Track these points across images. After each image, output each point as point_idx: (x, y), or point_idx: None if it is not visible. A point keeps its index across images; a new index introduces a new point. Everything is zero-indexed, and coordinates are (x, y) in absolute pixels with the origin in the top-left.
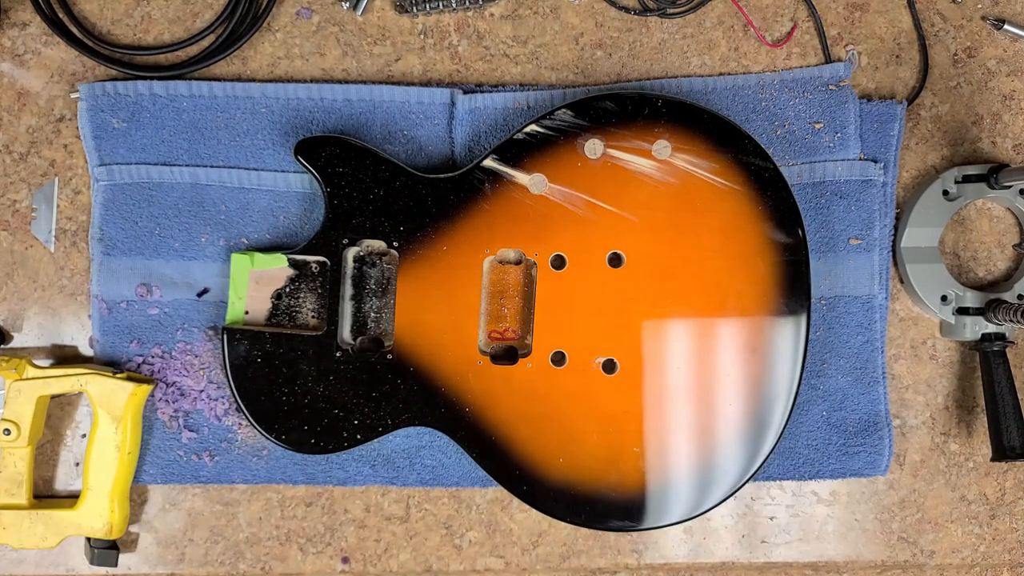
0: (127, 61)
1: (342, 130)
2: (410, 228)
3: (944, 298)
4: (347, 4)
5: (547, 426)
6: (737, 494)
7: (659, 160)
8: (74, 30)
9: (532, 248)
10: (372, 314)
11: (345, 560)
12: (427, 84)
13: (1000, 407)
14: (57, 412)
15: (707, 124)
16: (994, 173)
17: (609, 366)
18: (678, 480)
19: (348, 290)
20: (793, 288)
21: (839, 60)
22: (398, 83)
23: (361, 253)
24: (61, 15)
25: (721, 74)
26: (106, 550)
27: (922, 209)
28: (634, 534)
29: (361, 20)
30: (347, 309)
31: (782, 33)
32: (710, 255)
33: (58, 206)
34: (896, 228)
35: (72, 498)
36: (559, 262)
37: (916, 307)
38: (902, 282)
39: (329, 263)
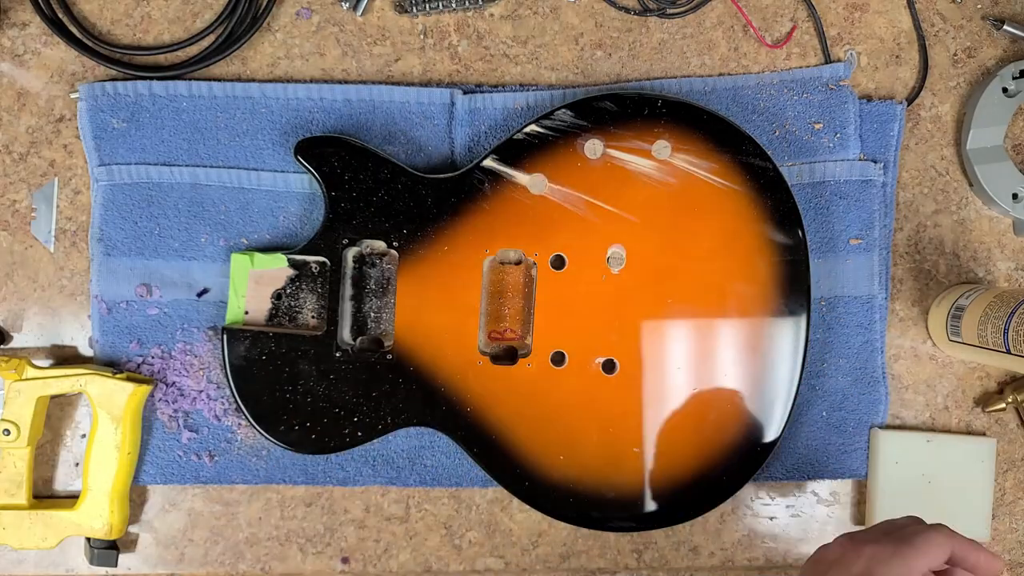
0: (127, 61)
1: (342, 130)
2: (410, 228)
3: (1015, 196)
4: (347, 4)
5: (547, 426)
6: (737, 494)
7: (659, 160)
8: (74, 30)
9: (532, 248)
10: (372, 314)
11: (345, 560)
12: (427, 84)
13: None
14: (57, 412)
15: (707, 124)
16: None
17: (609, 366)
18: (678, 480)
19: (348, 290)
20: (793, 288)
21: (839, 60)
22: (398, 83)
23: (361, 253)
24: (61, 15)
25: (721, 74)
26: (106, 550)
27: (983, 109)
28: (634, 534)
29: (361, 20)
30: (347, 309)
31: (782, 33)
32: (710, 255)
33: (58, 206)
34: (959, 131)
35: (72, 498)
36: (559, 262)
37: (987, 207)
38: (971, 185)
39: (329, 263)
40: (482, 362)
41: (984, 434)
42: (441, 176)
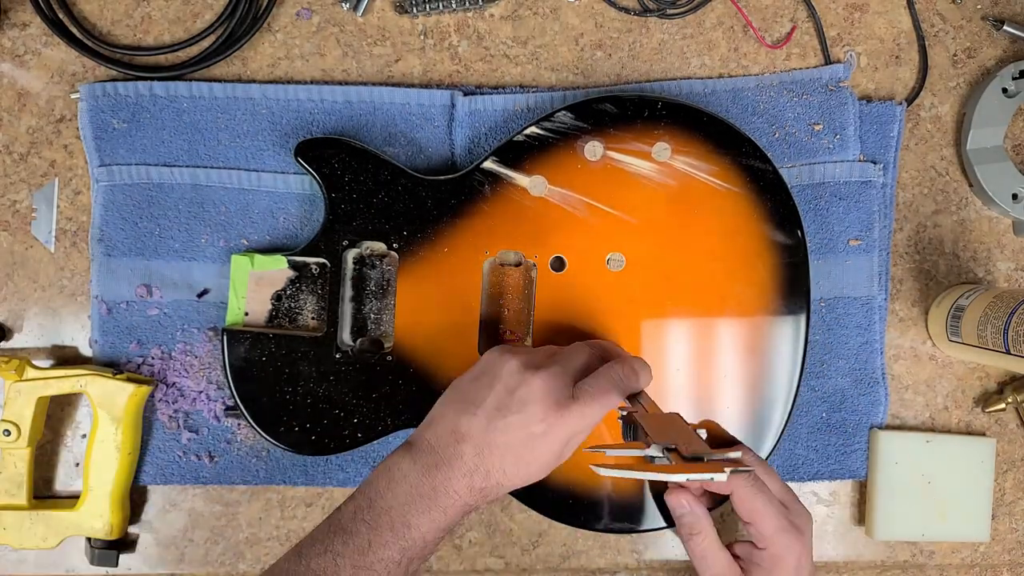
0: (127, 62)
1: (342, 132)
2: (410, 230)
3: (1015, 196)
4: (347, 5)
5: None
6: None
7: (659, 162)
8: (74, 30)
9: (532, 250)
10: (372, 315)
11: None
12: (427, 84)
13: None
14: (57, 412)
15: (707, 126)
16: None
17: None
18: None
19: (348, 292)
20: (792, 289)
21: (838, 61)
22: (398, 84)
23: (361, 255)
24: (61, 15)
25: (720, 76)
26: (106, 550)
27: (983, 109)
28: (634, 534)
29: (361, 21)
30: (347, 311)
31: (782, 34)
32: (710, 257)
33: (58, 206)
34: (959, 131)
35: (72, 498)
36: (559, 264)
37: (987, 208)
38: (971, 186)
39: (329, 265)
40: None
41: (984, 434)
42: (441, 178)
